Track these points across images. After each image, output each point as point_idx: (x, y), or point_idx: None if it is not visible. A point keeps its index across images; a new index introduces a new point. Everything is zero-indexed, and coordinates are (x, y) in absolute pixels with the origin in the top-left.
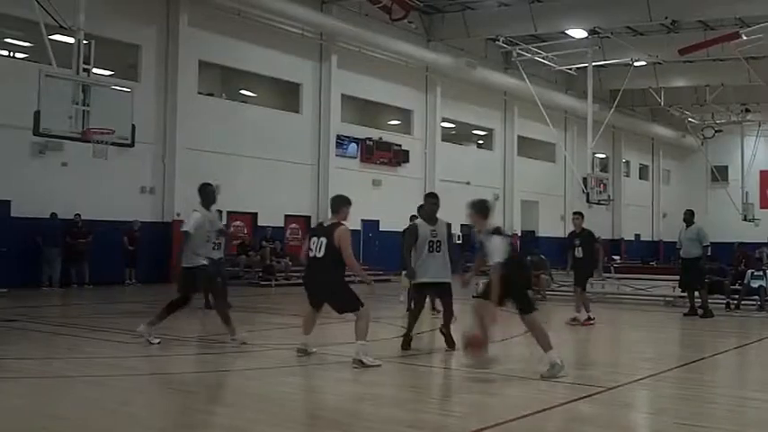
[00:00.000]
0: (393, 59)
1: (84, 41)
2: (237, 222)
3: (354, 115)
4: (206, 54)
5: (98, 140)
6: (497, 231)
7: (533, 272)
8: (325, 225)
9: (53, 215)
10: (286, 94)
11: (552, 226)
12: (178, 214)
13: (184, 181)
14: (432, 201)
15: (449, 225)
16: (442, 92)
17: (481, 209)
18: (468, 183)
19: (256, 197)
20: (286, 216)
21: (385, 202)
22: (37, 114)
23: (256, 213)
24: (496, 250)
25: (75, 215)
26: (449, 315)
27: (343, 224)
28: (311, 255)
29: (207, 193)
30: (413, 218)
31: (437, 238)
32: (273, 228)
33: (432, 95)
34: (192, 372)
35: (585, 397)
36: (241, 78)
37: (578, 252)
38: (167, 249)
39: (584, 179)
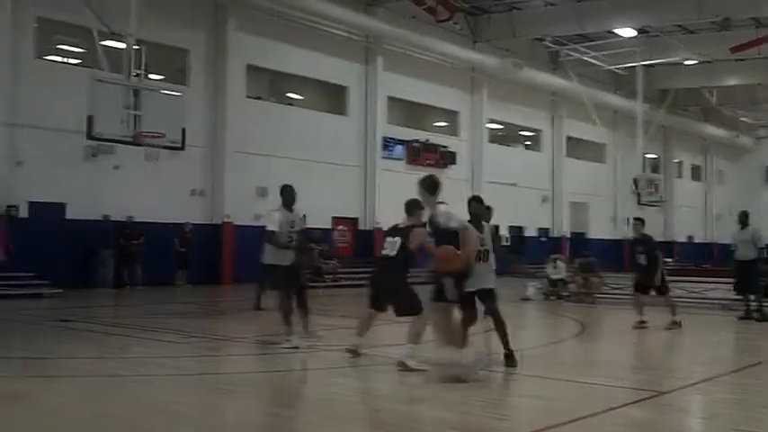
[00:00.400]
0: (439, 61)
1: (135, 47)
2: None
3: (400, 117)
4: (253, 58)
5: (149, 144)
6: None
7: (583, 274)
8: (400, 227)
9: (106, 217)
10: (332, 97)
11: (603, 227)
12: (228, 216)
13: (233, 183)
14: (480, 206)
15: (496, 227)
16: (488, 93)
17: (429, 186)
18: (515, 184)
19: (304, 199)
20: (333, 218)
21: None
22: (90, 119)
23: (304, 215)
24: (445, 216)
25: (128, 217)
26: (497, 322)
27: (418, 226)
28: (383, 253)
29: (287, 194)
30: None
31: (485, 246)
32: (321, 229)
33: (478, 96)
34: (241, 372)
35: (638, 401)
36: (288, 81)
37: (641, 259)
38: (217, 251)
39: (635, 180)
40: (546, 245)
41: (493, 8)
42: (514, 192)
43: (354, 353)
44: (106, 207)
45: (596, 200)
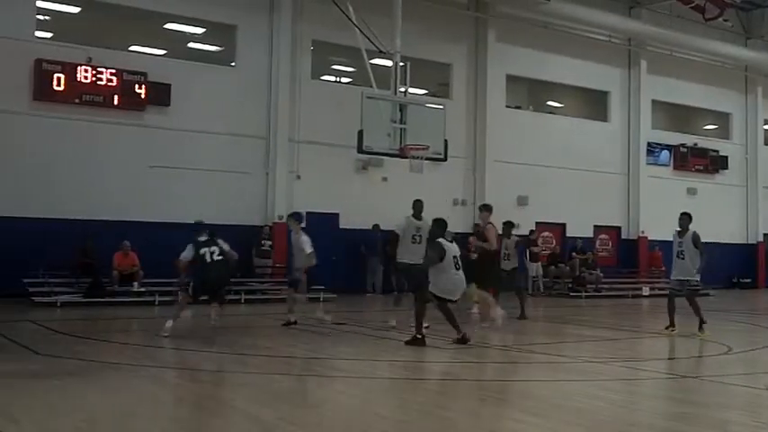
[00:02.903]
0: (708, 61)
1: (401, 63)
2: (546, 233)
3: (666, 121)
4: (513, 68)
5: (414, 156)
6: None
7: None
8: None
9: (375, 227)
10: (593, 103)
11: None
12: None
13: (494, 192)
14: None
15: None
16: (764, 92)
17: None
18: None
19: (564, 208)
20: (595, 227)
21: (701, 211)
22: (360, 133)
23: (564, 224)
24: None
25: (396, 227)
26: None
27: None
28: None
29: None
30: None
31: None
32: (582, 239)
33: (752, 97)
34: (502, 380)
35: None
36: (547, 89)
37: None
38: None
39: None
40: None
41: (767, 2)
42: None
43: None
44: (375, 217)
45: None
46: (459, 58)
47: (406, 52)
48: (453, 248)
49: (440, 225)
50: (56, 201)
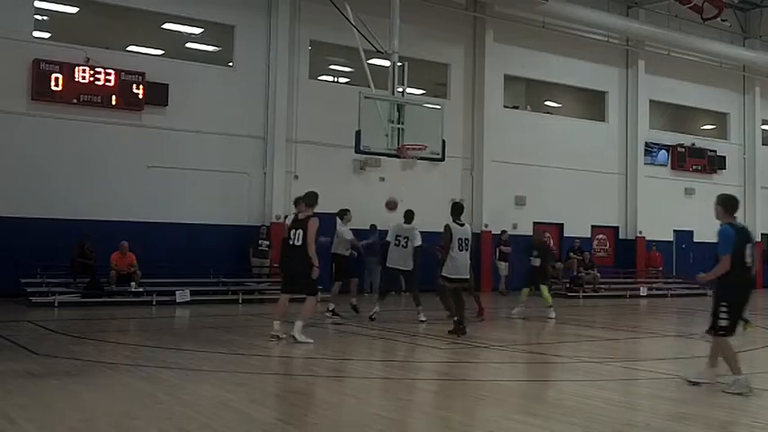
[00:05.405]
0: (705, 61)
1: (398, 63)
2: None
3: (664, 121)
4: (511, 68)
5: (412, 156)
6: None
7: None
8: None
9: (372, 227)
10: (591, 103)
11: None
12: (486, 225)
13: (492, 193)
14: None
15: None
16: (761, 92)
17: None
18: None
19: (562, 208)
20: (593, 227)
21: (699, 211)
22: (358, 134)
23: (562, 224)
24: None
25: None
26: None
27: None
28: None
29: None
30: None
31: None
32: (580, 239)
33: (750, 97)
34: (500, 379)
35: None
36: (545, 89)
37: None
38: (476, 259)
39: None
40: None
41: (765, 1)
42: None
43: (276, 338)
44: (373, 217)
45: None
46: (456, 58)
47: (404, 52)
48: (461, 231)
49: (455, 209)
50: (53, 201)
